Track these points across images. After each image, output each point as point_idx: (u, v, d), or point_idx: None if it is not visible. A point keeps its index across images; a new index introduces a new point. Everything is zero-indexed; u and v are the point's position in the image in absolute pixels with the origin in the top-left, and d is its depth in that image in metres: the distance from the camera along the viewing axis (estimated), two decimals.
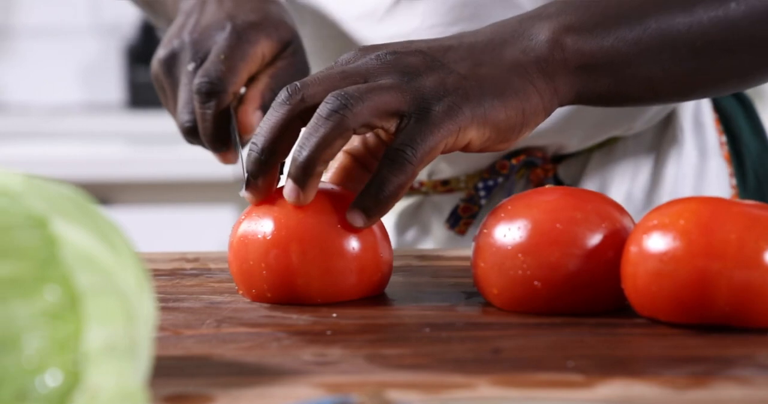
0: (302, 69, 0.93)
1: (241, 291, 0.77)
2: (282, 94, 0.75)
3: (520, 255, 0.72)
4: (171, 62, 0.92)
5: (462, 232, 1.03)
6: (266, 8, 0.93)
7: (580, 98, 0.79)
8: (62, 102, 2.48)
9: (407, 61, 0.75)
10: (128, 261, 0.50)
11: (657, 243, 0.68)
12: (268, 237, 0.74)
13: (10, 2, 2.47)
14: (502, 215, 0.73)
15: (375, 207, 0.74)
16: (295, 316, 0.72)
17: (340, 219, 0.75)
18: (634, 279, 0.69)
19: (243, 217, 0.77)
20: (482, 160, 1.02)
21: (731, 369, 0.61)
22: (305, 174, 0.73)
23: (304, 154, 0.73)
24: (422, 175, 1.05)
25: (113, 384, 0.47)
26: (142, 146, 2.22)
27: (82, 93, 2.49)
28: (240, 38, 0.89)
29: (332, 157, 0.73)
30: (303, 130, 0.74)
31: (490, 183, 1.02)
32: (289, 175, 0.74)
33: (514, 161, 1.01)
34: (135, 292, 0.49)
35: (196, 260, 0.89)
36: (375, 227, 0.76)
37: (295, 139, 0.75)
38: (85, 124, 2.39)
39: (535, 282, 0.71)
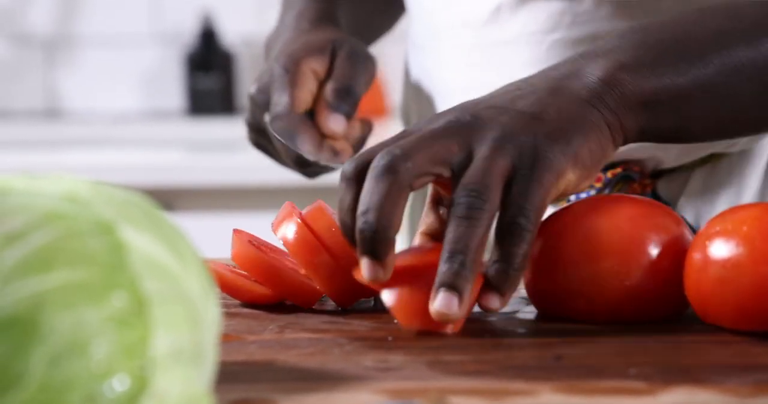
0: (356, 59, 0.95)
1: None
2: (379, 164, 0.69)
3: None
4: (255, 127, 0.98)
5: None
6: (306, 35, 0.98)
7: (645, 135, 0.77)
8: (123, 109, 2.50)
9: (481, 114, 0.72)
10: (193, 268, 0.50)
11: (720, 250, 0.67)
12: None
13: (71, 11, 2.50)
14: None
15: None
16: (357, 322, 0.73)
17: None
18: (697, 286, 0.68)
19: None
20: None
21: None
22: (375, 245, 0.68)
23: (366, 226, 0.68)
24: None
25: (179, 390, 0.47)
26: (202, 153, 2.24)
27: (143, 100, 2.51)
28: (286, 72, 0.93)
29: (399, 220, 0.69)
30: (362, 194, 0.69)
31: (583, 196, 0.97)
32: (360, 254, 0.69)
33: (609, 174, 0.96)
34: (200, 298, 0.50)
35: None
36: None
37: (404, 207, 0.70)
38: (145, 131, 2.41)
39: None
